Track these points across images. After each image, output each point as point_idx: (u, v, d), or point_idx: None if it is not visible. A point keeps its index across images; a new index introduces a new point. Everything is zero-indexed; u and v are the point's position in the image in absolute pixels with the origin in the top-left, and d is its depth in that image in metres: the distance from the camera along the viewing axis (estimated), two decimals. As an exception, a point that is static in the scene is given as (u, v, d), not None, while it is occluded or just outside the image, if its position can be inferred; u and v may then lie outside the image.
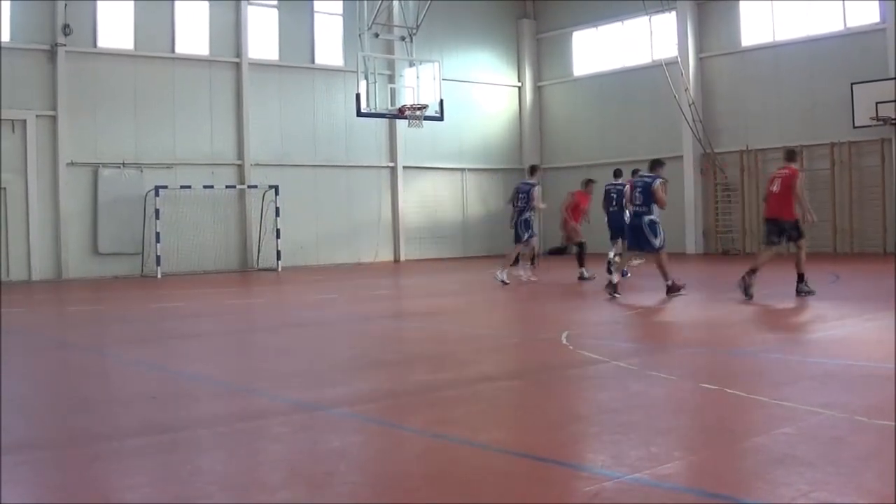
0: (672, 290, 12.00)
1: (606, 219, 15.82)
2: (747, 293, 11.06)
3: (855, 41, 20.96)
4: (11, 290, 17.06)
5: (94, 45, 21.05)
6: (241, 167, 22.97)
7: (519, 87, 28.60)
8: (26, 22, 20.12)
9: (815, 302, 11.04)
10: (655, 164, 12.63)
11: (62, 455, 4.59)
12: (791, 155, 12.15)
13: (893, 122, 19.63)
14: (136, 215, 21.23)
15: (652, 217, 12.16)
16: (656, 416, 5.18)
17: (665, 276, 12.04)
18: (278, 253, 22.47)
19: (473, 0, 27.21)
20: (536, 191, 15.38)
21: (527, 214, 15.43)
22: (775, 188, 11.61)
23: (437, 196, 26.66)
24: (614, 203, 15.28)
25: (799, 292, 11.35)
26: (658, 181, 12.20)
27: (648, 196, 12.14)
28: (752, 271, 11.22)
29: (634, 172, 14.27)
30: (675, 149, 24.33)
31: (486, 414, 5.43)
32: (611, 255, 15.02)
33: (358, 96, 19.58)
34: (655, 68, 24.19)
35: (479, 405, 5.67)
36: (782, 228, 11.53)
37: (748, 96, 23.25)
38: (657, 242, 12.13)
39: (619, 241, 15.01)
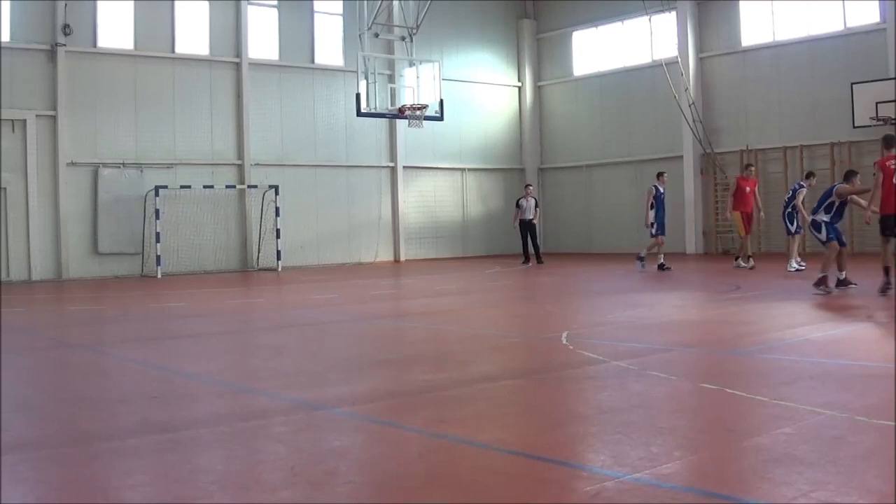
0: (819, 282, 11.87)
1: None
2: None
3: (855, 41, 20.96)
4: (11, 290, 17.06)
5: (94, 44, 21.05)
6: (241, 167, 22.97)
7: (519, 87, 28.60)
8: (26, 22, 20.12)
9: (815, 301, 11.04)
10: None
11: (62, 454, 4.59)
12: (891, 141, 11.61)
13: (893, 122, 19.62)
14: (136, 215, 21.23)
15: (814, 217, 12.57)
16: (656, 416, 5.18)
17: (823, 267, 12.10)
18: (278, 253, 22.47)
19: (473, 0, 27.22)
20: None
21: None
22: None
23: (437, 196, 26.66)
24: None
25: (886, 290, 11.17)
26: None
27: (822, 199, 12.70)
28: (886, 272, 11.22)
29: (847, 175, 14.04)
30: (675, 149, 24.36)
31: (486, 414, 5.43)
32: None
33: (358, 96, 19.58)
34: (655, 68, 24.21)
35: (479, 405, 5.67)
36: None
37: (748, 96, 23.26)
38: (821, 237, 12.52)
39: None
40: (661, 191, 18.18)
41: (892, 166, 11.34)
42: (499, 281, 17.56)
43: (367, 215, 25.18)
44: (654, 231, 17.98)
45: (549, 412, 5.45)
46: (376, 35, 21.35)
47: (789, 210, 16.10)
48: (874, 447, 4.26)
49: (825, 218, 12.31)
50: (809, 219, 12.80)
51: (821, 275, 11.89)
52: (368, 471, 4.28)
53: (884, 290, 11.24)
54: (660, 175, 18.58)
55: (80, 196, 20.78)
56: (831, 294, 11.65)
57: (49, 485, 4.12)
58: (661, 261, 17.88)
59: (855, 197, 12.47)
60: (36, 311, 13.65)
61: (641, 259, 18.13)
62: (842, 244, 12.32)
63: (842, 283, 12.19)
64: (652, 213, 17.98)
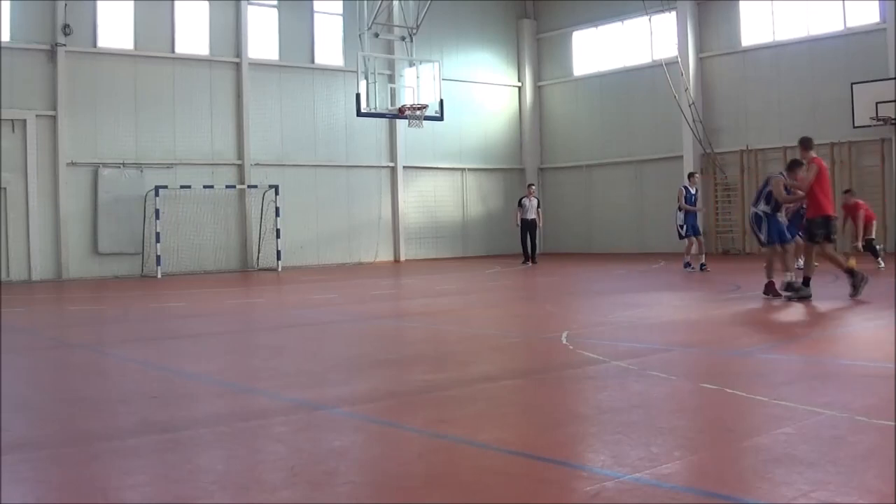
0: (767, 289, 11.46)
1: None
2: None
3: (855, 41, 20.98)
4: (11, 290, 17.06)
5: (94, 45, 21.06)
6: (241, 167, 22.97)
7: (519, 87, 28.61)
8: (26, 22, 20.13)
9: (815, 302, 11.03)
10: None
11: (62, 454, 4.59)
12: (808, 143, 11.33)
13: (893, 122, 19.64)
14: (136, 215, 21.24)
15: (754, 209, 11.92)
16: (656, 416, 5.18)
17: (766, 272, 11.62)
18: (278, 253, 22.47)
19: (473, 0, 27.23)
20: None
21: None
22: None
23: (437, 196, 26.67)
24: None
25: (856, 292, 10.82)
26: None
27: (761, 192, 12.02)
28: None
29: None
30: (675, 149, 24.37)
31: (486, 414, 5.43)
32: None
33: (358, 96, 19.60)
34: (655, 68, 24.22)
35: (479, 405, 5.67)
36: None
37: (748, 96, 23.27)
38: (762, 237, 11.91)
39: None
40: (693, 192, 17.93)
41: (826, 166, 11.09)
42: (499, 281, 17.56)
43: (367, 215, 25.19)
44: (683, 232, 17.69)
45: (549, 412, 5.44)
46: (376, 35, 21.37)
47: None
48: (874, 447, 4.26)
49: (766, 209, 11.71)
50: (751, 211, 12.07)
51: (778, 280, 11.46)
52: (368, 471, 4.28)
53: (855, 290, 10.78)
54: (690, 175, 18.33)
55: (80, 196, 20.78)
56: (802, 295, 11.00)
57: (49, 485, 4.12)
58: (688, 259, 17.81)
59: (794, 183, 11.46)
60: (36, 311, 13.65)
61: (688, 265, 17.72)
62: (785, 240, 11.68)
63: (789, 288, 11.13)
64: (681, 215, 17.67)
